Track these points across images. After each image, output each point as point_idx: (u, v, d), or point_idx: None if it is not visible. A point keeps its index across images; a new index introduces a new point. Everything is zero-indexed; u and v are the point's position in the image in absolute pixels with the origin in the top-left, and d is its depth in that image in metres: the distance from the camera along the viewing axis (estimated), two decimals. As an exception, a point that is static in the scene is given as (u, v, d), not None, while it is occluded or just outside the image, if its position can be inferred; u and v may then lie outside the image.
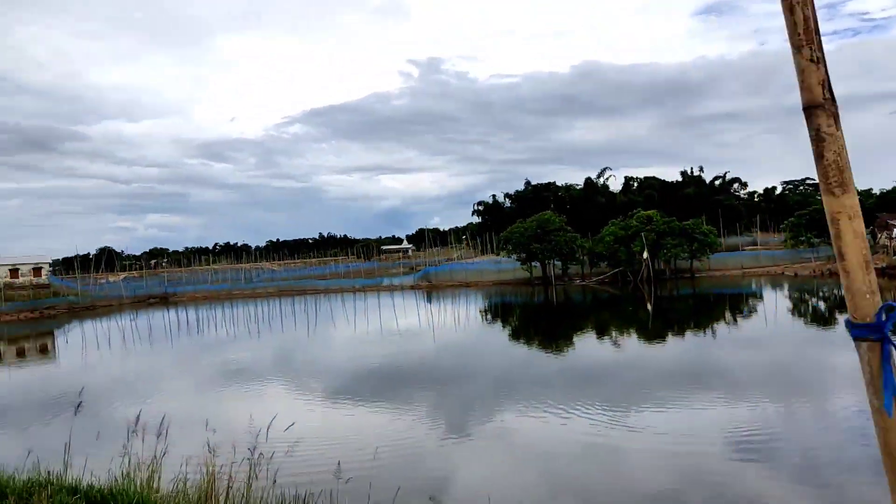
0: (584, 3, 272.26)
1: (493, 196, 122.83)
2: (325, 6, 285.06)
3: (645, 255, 55.53)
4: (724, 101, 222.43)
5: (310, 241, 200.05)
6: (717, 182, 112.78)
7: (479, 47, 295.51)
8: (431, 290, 65.08)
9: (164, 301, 66.96)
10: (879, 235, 52.85)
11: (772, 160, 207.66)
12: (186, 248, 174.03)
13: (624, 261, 56.64)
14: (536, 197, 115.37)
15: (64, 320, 55.49)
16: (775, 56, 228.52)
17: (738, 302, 43.59)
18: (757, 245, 76.53)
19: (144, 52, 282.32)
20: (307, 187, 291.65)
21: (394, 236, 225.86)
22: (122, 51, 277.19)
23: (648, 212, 60.16)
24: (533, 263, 60.70)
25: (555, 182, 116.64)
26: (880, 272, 47.78)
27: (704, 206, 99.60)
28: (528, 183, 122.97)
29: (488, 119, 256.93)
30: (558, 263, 60.72)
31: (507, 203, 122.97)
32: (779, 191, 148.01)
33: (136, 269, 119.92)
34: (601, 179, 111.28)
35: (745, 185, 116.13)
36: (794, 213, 61.88)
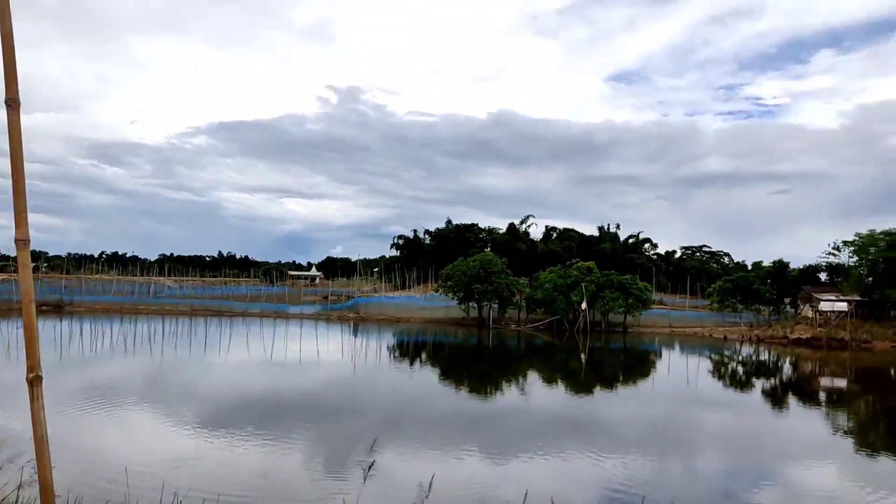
0: (507, 54, 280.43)
1: (414, 231, 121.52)
2: (250, 19, 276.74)
3: (584, 305, 55.60)
4: (624, 164, 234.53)
5: (207, 258, 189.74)
6: (630, 240, 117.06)
7: (401, 83, 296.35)
8: (360, 321, 62.13)
9: (59, 309, 59.97)
10: (802, 307, 55.66)
11: (663, 225, 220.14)
12: (69, 254, 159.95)
13: (562, 309, 56.45)
14: (459, 237, 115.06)
15: (-63, 322, 48.15)
16: (674, 128, 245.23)
17: (672, 360, 43.90)
18: (664, 304, 79.35)
19: (47, 42, 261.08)
20: (205, 202, 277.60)
21: (294, 262, 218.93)
22: (23, 36, 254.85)
23: (588, 263, 60.61)
24: (470, 304, 59.40)
25: (477, 224, 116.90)
26: (805, 342, 50.07)
27: (618, 262, 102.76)
28: (449, 222, 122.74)
29: (402, 154, 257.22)
30: (495, 306, 59.79)
31: (427, 240, 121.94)
32: (678, 255, 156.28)
33: (10, 272, 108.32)
34: (524, 226, 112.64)
35: (655, 245, 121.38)
36: (722, 277, 64.39)
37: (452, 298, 60.14)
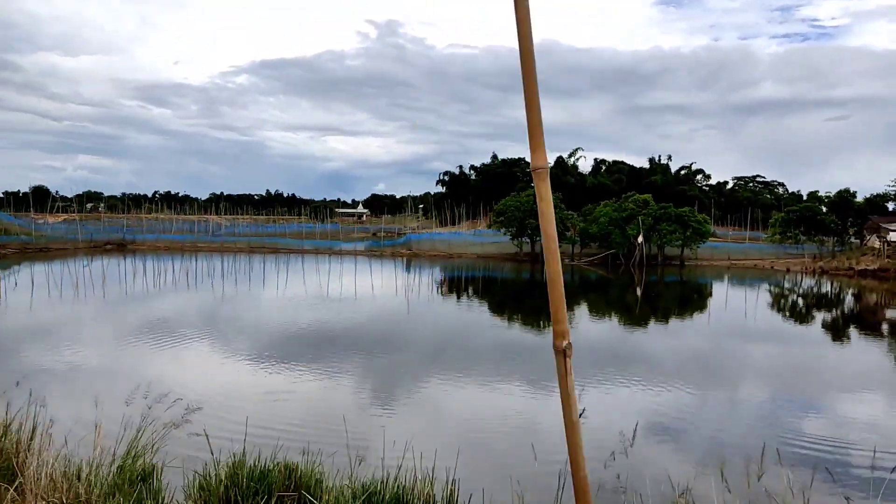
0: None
1: (460, 167, 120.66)
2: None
3: (640, 239, 54.83)
4: (673, 93, 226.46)
5: (255, 197, 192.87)
6: (682, 172, 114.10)
7: (440, 14, 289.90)
8: (412, 257, 62.74)
9: (122, 248, 62.10)
10: (868, 238, 53.82)
11: (711, 155, 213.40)
12: (123, 194, 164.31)
13: (618, 243, 55.78)
14: (506, 172, 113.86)
15: (14, 261, 50.51)
16: (727, 53, 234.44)
17: (733, 294, 43.03)
18: (717, 237, 77.54)
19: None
20: (250, 141, 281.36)
21: (339, 199, 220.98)
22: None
23: (644, 195, 59.47)
24: (523, 239, 59.22)
25: (524, 158, 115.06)
26: (872, 274, 48.64)
27: (669, 194, 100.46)
28: (494, 157, 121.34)
29: (443, 88, 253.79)
30: (547, 241, 59.43)
31: (473, 175, 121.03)
32: (730, 185, 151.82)
33: (71, 212, 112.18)
34: (572, 160, 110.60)
35: (708, 177, 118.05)
36: (784, 209, 62.20)
37: (505, 234, 60.03)
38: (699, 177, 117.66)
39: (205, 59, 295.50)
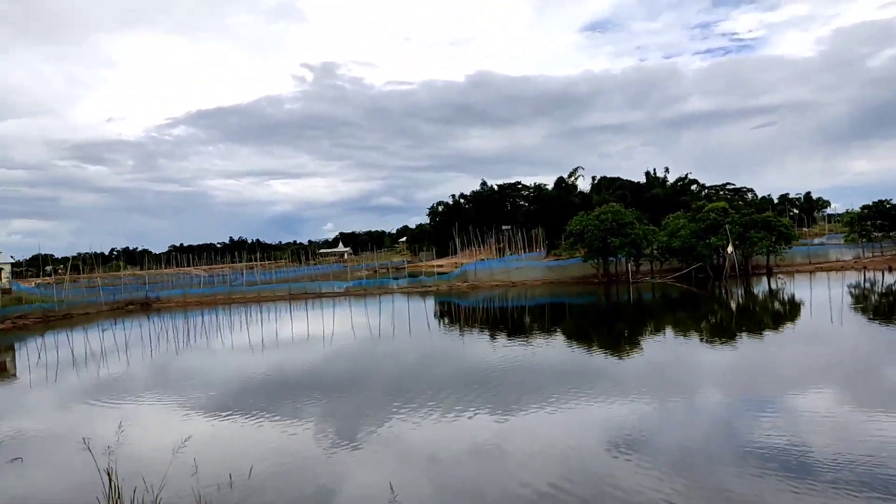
0: (478, 14, 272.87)
1: (453, 196, 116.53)
2: (216, 6, 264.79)
3: (730, 249, 51.54)
4: (607, 113, 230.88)
5: (218, 245, 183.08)
6: (679, 183, 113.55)
7: (375, 53, 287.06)
8: (472, 289, 57.45)
9: (147, 307, 54.49)
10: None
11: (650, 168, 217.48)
12: (79, 254, 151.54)
13: (705, 255, 52.29)
14: (501, 197, 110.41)
15: (37, 331, 42.64)
16: (654, 72, 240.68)
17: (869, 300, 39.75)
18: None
19: (13, 48, 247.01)
20: (193, 192, 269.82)
21: (294, 241, 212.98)
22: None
23: (720, 203, 56.54)
24: (598, 259, 54.98)
25: (520, 182, 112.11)
26: None
27: (670, 206, 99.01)
28: (483, 183, 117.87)
29: (385, 125, 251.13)
30: (622, 259, 55.41)
31: (465, 204, 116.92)
32: (704, 193, 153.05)
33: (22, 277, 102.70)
34: (571, 179, 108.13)
35: (703, 186, 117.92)
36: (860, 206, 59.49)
37: (576, 256, 55.82)
38: (694, 186, 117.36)
39: (139, 114, 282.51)
